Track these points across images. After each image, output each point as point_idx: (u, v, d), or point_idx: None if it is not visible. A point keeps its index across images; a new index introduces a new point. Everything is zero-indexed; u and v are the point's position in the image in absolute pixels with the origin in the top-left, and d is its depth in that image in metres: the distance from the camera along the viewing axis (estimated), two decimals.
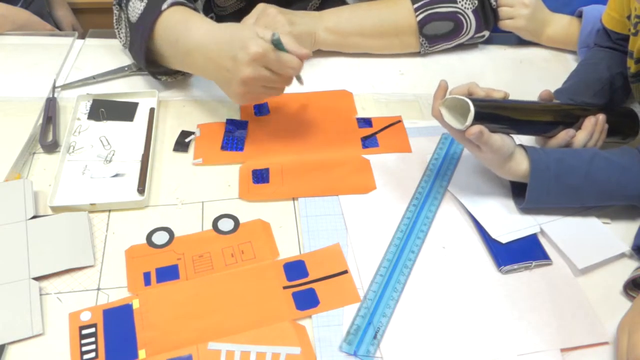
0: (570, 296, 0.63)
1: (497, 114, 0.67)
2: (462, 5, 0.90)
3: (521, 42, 1.00)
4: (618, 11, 0.82)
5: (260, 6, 0.88)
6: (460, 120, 0.65)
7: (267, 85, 0.72)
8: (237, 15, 0.95)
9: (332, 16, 0.91)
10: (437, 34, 0.92)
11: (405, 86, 0.92)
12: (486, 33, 0.95)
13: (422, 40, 0.93)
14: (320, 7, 0.98)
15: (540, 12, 0.97)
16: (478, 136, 0.64)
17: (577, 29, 0.94)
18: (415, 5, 0.90)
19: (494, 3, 0.93)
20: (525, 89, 0.80)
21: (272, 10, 0.87)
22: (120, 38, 0.89)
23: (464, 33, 0.93)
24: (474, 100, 0.64)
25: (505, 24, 0.97)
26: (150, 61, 0.82)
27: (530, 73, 0.95)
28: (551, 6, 0.97)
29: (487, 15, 0.93)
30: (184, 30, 0.74)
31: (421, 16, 0.90)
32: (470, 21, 0.92)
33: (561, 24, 0.97)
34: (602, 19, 0.87)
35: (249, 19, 0.88)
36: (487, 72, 0.95)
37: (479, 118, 0.64)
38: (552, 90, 0.83)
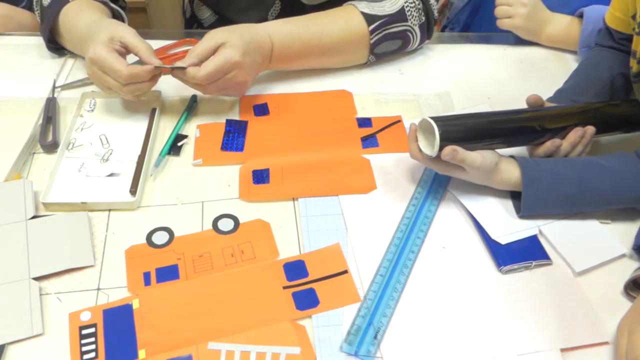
0: (570, 296, 0.63)
1: (469, 129, 0.67)
2: (411, 22, 0.90)
3: (521, 42, 1.00)
4: (622, 10, 0.81)
5: (221, 38, 0.77)
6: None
7: (103, 83, 0.77)
8: (214, 27, 0.90)
9: (279, 41, 0.84)
10: (385, 51, 0.92)
11: (405, 86, 0.91)
12: (426, 42, 0.96)
13: (371, 57, 0.92)
14: (281, 14, 0.96)
15: (539, 12, 0.96)
16: (453, 155, 0.64)
17: (578, 29, 0.94)
18: (371, 27, 0.87)
19: (436, 14, 0.93)
20: (525, 89, 0.80)
21: (233, 50, 0.77)
22: (37, 13, 0.92)
23: (409, 47, 0.94)
24: (444, 119, 0.66)
25: (503, 23, 0.97)
26: (54, 41, 0.90)
27: (531, 73, 0.95)
28: (550, 5, 0.97)
29: (430, 27, 0.94)
30: (75, 20, 0.82)
31: (375, 38, 0.89)
32: (417, 36, 0.92)
33: (561, 24, 0.97)
34: (605, 18, 0.86)
35: (204, 43, 0.77)
36: (487, 71, 0.95)
37: (451, 138, 0.65)
38: (553, 90, 0.83)
